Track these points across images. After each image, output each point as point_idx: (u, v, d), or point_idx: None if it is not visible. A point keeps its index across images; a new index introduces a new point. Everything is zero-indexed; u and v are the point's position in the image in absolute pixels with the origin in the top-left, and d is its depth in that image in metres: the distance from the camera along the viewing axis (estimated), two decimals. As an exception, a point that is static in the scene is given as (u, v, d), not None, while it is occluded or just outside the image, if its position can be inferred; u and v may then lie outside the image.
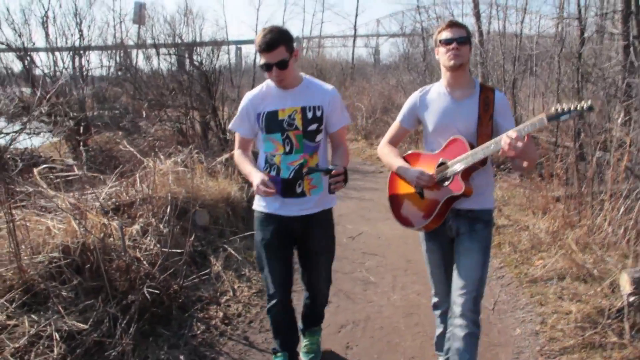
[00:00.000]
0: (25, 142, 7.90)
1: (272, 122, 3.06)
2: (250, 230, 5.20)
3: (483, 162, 2.84)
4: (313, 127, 3.07)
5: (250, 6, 74.97)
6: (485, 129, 2.84)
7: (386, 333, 4.00)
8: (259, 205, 3.22)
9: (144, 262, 3.97)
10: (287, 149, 3.07)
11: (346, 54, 32.55)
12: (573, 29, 9.15)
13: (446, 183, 2.88)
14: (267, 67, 2.93)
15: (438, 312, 3.29)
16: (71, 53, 13.00)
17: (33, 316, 3.40)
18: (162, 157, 5.69)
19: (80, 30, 14.69)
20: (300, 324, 3.59)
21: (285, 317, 3.29)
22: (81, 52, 13.80)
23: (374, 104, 16.75)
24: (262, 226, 3.22)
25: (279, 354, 3.31)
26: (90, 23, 15.58)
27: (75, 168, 5.24)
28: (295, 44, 3.02)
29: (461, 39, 2.82)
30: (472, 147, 2.80)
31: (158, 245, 4.31)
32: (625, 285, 3.89)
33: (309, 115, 3.06)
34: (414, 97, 3.09)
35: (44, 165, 6.93)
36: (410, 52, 22.34)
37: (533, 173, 6.91)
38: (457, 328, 2.84)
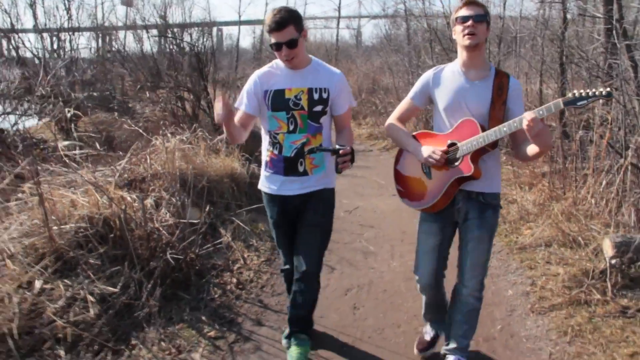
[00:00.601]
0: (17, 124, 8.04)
1: (278, 101, 3.11)
2: (253, 204, 5.52)
3: (494, 145, 2.85)
4: (318, 108, 3.12)
5: (232, -13, 74.21)
6: (498, 112, 2.83)
7: (389, 295, 4.32)
8: (264, 185, 3.33)
9: (164, 232, 4.23)
10: (291, 127, 3.12)
11: (330, 36, 32.72)
12: (556, 12, 9.43)
13: (455, 164, 2.88)
14: (277, 46, 2.97)
15: (424, 299, 3.38)
16: (61, 34, 13.12)
17: (66, 281, 3.67)
18: (169, 135, 5.93)
19: (69, 12, 14.81)
20: (285, 331, 3.58)
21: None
22: (70, 33, 13.92)
23: (359, 85, 17.00)
24: (269, 206, 3.35)
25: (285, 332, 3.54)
26: (78, 4, 15.62)
27: (97, 145, 5.43)
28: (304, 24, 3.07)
29: (478, 17, 2.78)
30: (483, 129, 2.80)
31: (173, 217, 4.58)
32: (608, 249, 4.25)
33: (315, 96, 3.10)
34: (428, 74, 3.08)
35: (43, 146, 7.17)
36: (394, 33, 22.58)
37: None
38: (462, 304, 3.08)
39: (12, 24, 13.22)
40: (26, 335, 3.21)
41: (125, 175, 5.08)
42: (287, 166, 3.17)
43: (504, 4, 12.34)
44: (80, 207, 4.21)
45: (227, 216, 5.46)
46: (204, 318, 3.84)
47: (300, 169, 3.16)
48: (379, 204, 6.87)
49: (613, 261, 4.17)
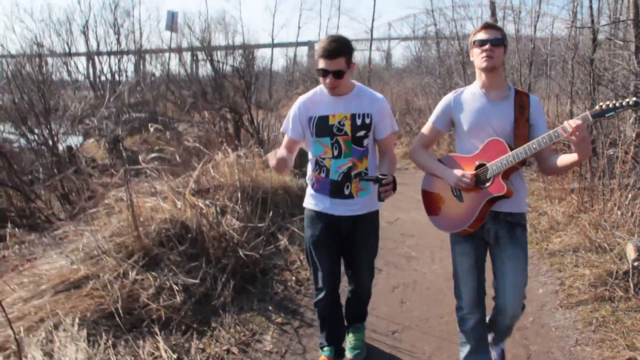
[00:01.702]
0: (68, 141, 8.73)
1: (322, 127, 3.19)
2: (304, 214, 6.08)
3: (522, 163, 2.87)
4: (361, 133, 3.18)
5: (266, 12, 75.91)
6: (522, 130, 2.88)
7: (432, 292, 4.84)
8: (310, 203, 3.39)
9: (234, 234, 4.82)
10: (336, 152, 3.19)
11: (362, 58, 33.42)
12: (586, 34, 9.86)
13: (487, 184, 2.90)
14: (324, 72, 3.04)
15: (466, 328, 3.21)
16: (116, 57, 14.08)
17: (154, 273, 4.27)
18: (229, 150, 6.57)
19: (118, 37, 15.76)
20: (345, 322, 3.74)
21: (331, 310, 3.49)
22: (118, 57, 14.85)
23: (393, 106, 17.55)
24: (311, 223, 3.38)
25: (325, 348, 3.55)
26: (127, 31, 16.55)
27: (177, 156, 6.10)
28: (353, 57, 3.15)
29: (495, 40, 2.86)
30: (510, 148, 2.82)
31: (238, 222, 5.17)
32: (631, 252, 4.70)
33: (358, 122, 3.17)
34: (448, 98, 3.13)
35: (94, 164, 7.85)
36: (424, 55, 23.10)
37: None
38: (502, 325, 3.16)
39: (69, 48, 14.23)
40: (127, 315, 3.81)
41: (193, 185, 5.70)
42: (333, 189, 3.24)
43: (535, 26, 12.85)
44: (161, 212, 4.83)
45: (283, 223, 6.04)
46: (270, 308, 4.40)
47: (346, 192, 3.23)
48: (417, 217, 7.38)
49: (635, 263, 4.62)
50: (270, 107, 12.43)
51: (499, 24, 13.35)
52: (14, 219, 5.78)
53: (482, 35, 2.90)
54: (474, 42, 2.94)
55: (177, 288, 4.13)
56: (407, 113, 16.26)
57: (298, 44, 38.52)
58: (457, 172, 2.97)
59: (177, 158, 5.99)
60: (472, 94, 3.05)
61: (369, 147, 3.25)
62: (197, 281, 4.29)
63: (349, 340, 3.74)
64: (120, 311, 3.74)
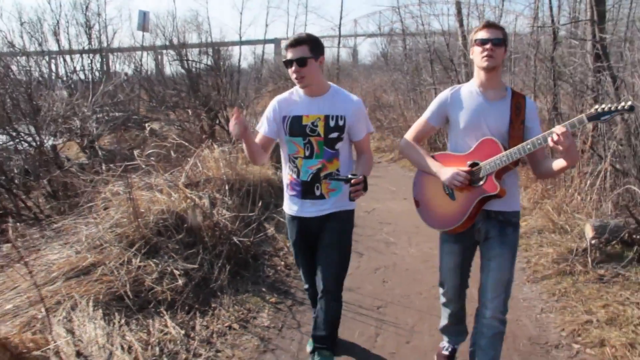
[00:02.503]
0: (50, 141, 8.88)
1: (295, 126, 3.21)
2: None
3: (516, 163, 2.87)
4: (334, 135, 3.19)
5: (234, 10, 75.84)
6: (517, 131, 2.89)
7: (410, 273, 5.26)
8: (285, 206, 3.47)
9: (227, 222, 5.17)
10: (307, 153, 3.22)
11: (331, 55, 33.81)
12: (547, 32, 10.38)
13: (479, 183, 2.89)
14: (288, 63, 3.09)
15: (446, 312, 3.47)
16: (91, 56, 14.20)
17: (155, 260, 4.59)
18: (215, 146, 6.90)
19: (90, 37, 15.88)
20: (308, 346, 3.75)
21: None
22: (102, 54, 14.99)
23: (363, 102, 17.92)
24: (289, 227, 3.50)
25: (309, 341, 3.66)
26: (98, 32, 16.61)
27: (172, 152, 6.40)
28: (323, 53, 3.16)
29: (496, 40, 2.86)
30: (504, 148, 2.84)
31: (228, 212, 5.50)
32: (589, 231, 5.19)
33: (332, 123, 3.17)
34: (445, 94, 3.12)
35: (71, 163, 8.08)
36: (390, 52, 23.55)
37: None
38: (485, 328, 3.02)
39: (41, 47, 14.30)
40: (135, 297, 4.13)
41: (183, 179, 6.02)
42: (304, 190, 3.27)
43: (499, 22, 13.36)
44: (157, 203, 5.14)
45: (269, 214, 6.39)
46: (264, 289, 4.77)
47: (317, 192, 3.26)
48: (392, 206, 7.82)
49: (593, 241, 5.11)
50: (239, 105, 12.64)
51: (464, 21, 13.88)
52: (11, 215, 6.00)
53: (483, 35, 2.88)
54: (475, 40, 2.92)
55: (178, 272, 4.47)
56: (377, 109, 16.68)
57: (265, 42, 38.71)
58: (451, 170, 2.96)
59: (172, 154, 6.31)
60: (469, 92, 3.05)
61: (343, 149, 3.26)
62: (195, 266, 4.63)
63: None
64: (129, 294, 4.07)
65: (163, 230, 4.94)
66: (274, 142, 3.40)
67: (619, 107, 2.54)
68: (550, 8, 10.39)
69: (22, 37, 14.86)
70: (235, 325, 4.15)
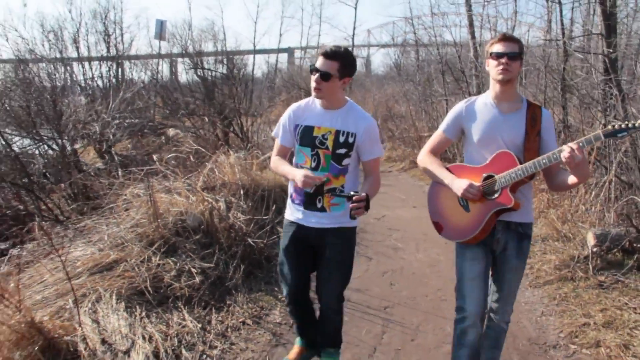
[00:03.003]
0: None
1: (306, 136, 3.21)
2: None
3: (531, 177, 2.86)
4: (342, 151, 3.17)
5: (248, 19, 76.54)
6: (533, 144, 2.86)
7: (417, 276, 5.46)
8: (287, 213, 3.43)
9: (242, 224, 5.41)
10: (314, 164, 3.19)
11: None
12: (558, 45, 10.55)
13: (494, 196, 2.88)
14: (313, 70, 3.08)
15: (465, 341, 3.10)
16: (109, 63, 14.59)
17: (173, 259, 4.83)
18: (231, 152, 7.15)
19: (108, 45, 16.27)
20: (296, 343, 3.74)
21: (299, 311, 3.53)
22: (119, 61, 15.36)
23: (375, 112, 18.20)
24: (285, 232, 3.42)
25: (297, 338, 3.67)
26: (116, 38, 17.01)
27: (191, 157, 6.65)
28: (351, 73, 3.15)
29: (512, 54, 2.84)
30: (519, 161, 2.82)
31: (242, 215, 5.74)
32: (591, 239, 5.38)
33: (341, 139, 3.16)
34: (460, 106, 3.12)
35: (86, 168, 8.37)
36: (403, 63, 23.75)
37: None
38: (492, 330, 3.16)
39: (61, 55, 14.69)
40: (155, 292, 4.36)
41: (200, 184, 6.27)
42: (307, 201, 3.25)
43: (512, 32, 13.52)
44: (176, 206, 5.39)
45: (281, 218, 6.61)
46: (276, 289, 4.99)
47: (319, 205, 3.23)
48: (401, 213, 8.02)
49: (594, 249, 5.29)
50: (252, 114, 12.89)
51: (476, 33, 14.08)
52: (36, 215, 6.27)
53: (499, 48, 2.87)
54: (491, 53, 2.91)
55: (195, 270, 4.70)
56: (388, 119, 16.91)
57: (279, 51, 39.09)
58: (465, 182, 2.93)
59: (191, 158, 6.56)
60: (484, 104, 3.03)
61: (350, 167, 3.24)
62: (212, 265, 4.86)
63: None
64: (150, 289, 4.30)
65: (181, 231, 5.18)
66: (291, 149, 3.39)
67: (637, 125, 2.50)
68: (562, 21, 10.62)
69: (43, 45, 15.21)
70: (249, 321, 4.37)
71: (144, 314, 4.05)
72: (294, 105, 3.36)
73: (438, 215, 3.19)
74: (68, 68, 14.34)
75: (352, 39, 34.21)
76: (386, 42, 41.31)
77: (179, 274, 4.66)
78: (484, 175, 2.93)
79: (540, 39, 10.96)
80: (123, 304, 4.03)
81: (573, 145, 2.59)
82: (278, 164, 3.35)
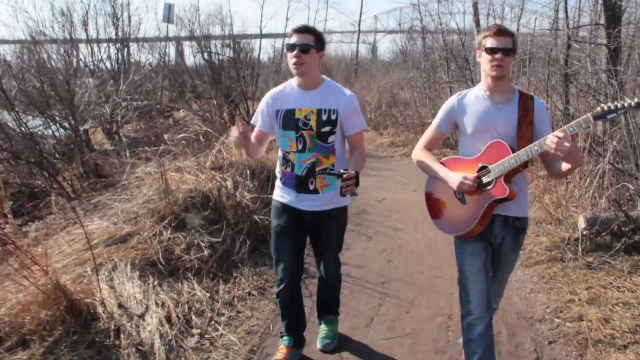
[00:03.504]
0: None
1: (288, 120, 3.23)
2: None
3: (525, 165, 2.86)
4: (326, 129, 3.21)
5: (255, 2, 76.54)
6: (526, 133, 2.85)
7: (415, 255, 5.73)
8: (277, 194, 3.46)
9: (249, 203, 5.68)
10: (300, 147, 3.23)
11: (350, 51, 34.08)
12: (564, 34, 10.74)
13: (489, 187, 2.88)
14: (291, 46, 3.11)
15: (474, 335, 3.03)
16: (117, 45, 14.81)
17: (183, 233, 5.10)
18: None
19: (117, 28, 16.47)
20: (316, 315, 4.00)
21: (292, 301, 3.58)
22: (125, 44, 15.59)
23: (380, 98, 18.39)
24: (277, 214, 3.44)
25: (284, 337, 3.65)
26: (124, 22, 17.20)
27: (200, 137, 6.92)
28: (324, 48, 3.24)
29: (506, 50, 2.82)
30: (512, 150, 2.82)
31: (248, 194, 6.00)
32: (581, 223, 5.62)
33: (324, 117, 3.19)
34: (452, 100, 3.14)
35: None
36: (409, 49, 23.90)
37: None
38: (480, 325, 3.02)
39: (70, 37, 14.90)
40: (166, 264, 4.64)
41: (209, 163, 6.54)
42: (299, 184, 3.29)
43: (519, 19, 13.72)
44: (185, 183, 5.66)
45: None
46: (280, 264, 5.27)
47: (311, 187, 3.28)
48: (402, 196, 8.27)
49: (585, 232, 5.53)
50: (258, 97, 13.08)
51: (481, 21, 14.24)
52: (52, 190, 6.55)
53: (493, 43, 2.84)
54: (485, 48, 2.88)
55: (204, 244, 4.97)
56: (392, 105, 17.09)
57: (286, 35, 39.10)
58: (459, 175, 2.96)
59: (201, 138, 6.82)
60: (475, 97, 3.05)
61: (337, 144, 3.30)
62: (219, 240, 5.13)
63: (321, 330, 3.88)
64: (162, 260, 4.59)
65: (190, 207, 5.45)
66: (270, 136, 3.45)
67: (626, 105, 2.49)
68: (566, 10, 10.80)
69: (52, 27, 15.41)
70: (254, 292, 4.66)
71: (156, 282, 4.33)
72: (271, 91, 3.38)
73: (436, 210, 3.22)
74: (76, 50, 14.54)
75: (359, 24, 34.23)
76: (393, 28, 41.38)
77: (188, 248, 4.94)
78: (479, 166, 2.95)
79: (541, 29, 11.08)
80: (137, 273, 4.31)
81: (559, 133, 2.59)
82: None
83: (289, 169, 3.31)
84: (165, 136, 6.79)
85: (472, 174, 2.94)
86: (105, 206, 5.66)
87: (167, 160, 6.12)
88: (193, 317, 4.08)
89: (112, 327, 3.63)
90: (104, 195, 5.92)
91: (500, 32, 2.85)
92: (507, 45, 2.83)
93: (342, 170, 2.92)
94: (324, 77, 3.32)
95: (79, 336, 3.45)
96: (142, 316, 3.84)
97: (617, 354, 3.61)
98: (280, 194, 3.43)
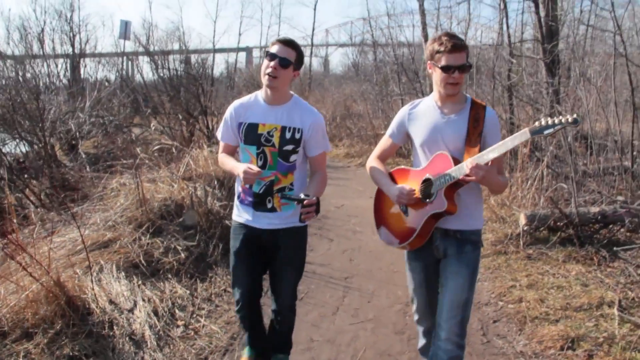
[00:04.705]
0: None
1: (250, 134, 3.10)
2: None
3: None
4: (289, 147, 3.09)
5: (207, 18, 76.72)
6: (474, 145, 2.75)
7: (374, 254, 6.26)
8: (235, 214, 3.34)
9: (220, 209, 6.11)
10: (260, 163, 3.09)
11: (303, 65, 34.52)
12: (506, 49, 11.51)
13: (430, 199, 2.80)
14: (272, 56, 2.98)
15: (420, 329, 3.27)
16: (69, 61, 15.04)
17: (160, 238, 5.50)
18: (205, 146, 7.83)
19: (73, 44, 16.66)
20: (244, 353, 3.66)
21: (251, 318, 3.43)
22: (82, 60, 15.80)
23: (334, 111, 18.97)
24: (235, 234, 3.31)
25: (246, 348, 3.54)
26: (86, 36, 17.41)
27: (173, 148, 7.30)
28: (300, 67, 3.14)
29: (462, 67, 2.73)
30: (457, 162, 2.72)
31: (218, 202, 6.43)
32: (522, 220, 6.24)
33: (288, 135, 3.08)
34: (403, 111, 3.06)
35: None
36: (361, 62, 24.62)
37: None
38: (441, 351, 2.85)
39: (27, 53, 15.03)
40: (147, 266, 5.03)
41: (181, 173, 6.94)
42: (257, 201, 3.17)
43: (465, 33, 14.45)
44: (160, 193, 6.06)
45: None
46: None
47: (269, 205, 3.16)
48: (359, 203, 8.81)
49: (525, 228, 6.16)
50: (212, 112, 13.36)
51: (430, 34, 14.93)
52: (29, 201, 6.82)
53: (447, 60, 2.72)
54: (440, 67, 2.76)
55: (180, 248, 5.39)
56: (347, 117, 17.69)
57: (239, 50, 39.56)
58: (398, 188, 2.92)
59: (174, 151, 7.21)
60: (426, 107, 2.98)
61: (298, 163, 3.19)
62: (194, 243, 5.56)
63: None
64: (143, 262, 4.98)
65: (165, 214, 5.85)
66: (237, 148, 3.30)
67: (563, 121, 2.42)
68: (507, 27, 11.64)
69: (8, 43, 15.54)
70: (230, 289, 5.09)
71: (140, 282, 4.72)
72: (235, 102, 3.26)
73: (380, 221, 3.20)
74: (33, 66, 14.69)
75: (312, 38, 34.98)
76: (344, 41, 42.25)
77: (166, 251, 5.34)
78: (423, 178, 2.89)
79: (483, 44, 11.86)
80: (123, 273, 4.70)
81: (472, 161, 2.61)
82: (224, 161, 3.30)
83: (247, 185, 3.17)
84: (138, 149, 7.14)
85: (408, 187, 2.90)
86: (83, 216, 6.00)
87: (142, 171, 6.50)
88: (177, 311, 4.50)
89: (106, 319, 4.02)
90: (80, 206, 6.26)
91: (455, 48, 2.72)
92: (462, 62, 2.73)
93: (302, 196, 2.82)
94: (292, 93, 3.21)
95: (77, 328, 3.83)
96: (131, 310, 4.24)
97: (549, 327, 4.18)
98: (237, 214, 3.32)
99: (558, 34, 10.46)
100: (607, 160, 7.95)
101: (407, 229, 2.95)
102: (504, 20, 11.78)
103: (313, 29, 37.85)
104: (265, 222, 3.18)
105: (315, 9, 44.47)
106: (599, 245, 5.69)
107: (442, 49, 2.73)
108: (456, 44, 2.72)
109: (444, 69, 2.74)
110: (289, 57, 3.01)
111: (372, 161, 3.21)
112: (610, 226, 6.02)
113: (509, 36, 11.38)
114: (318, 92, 23.73)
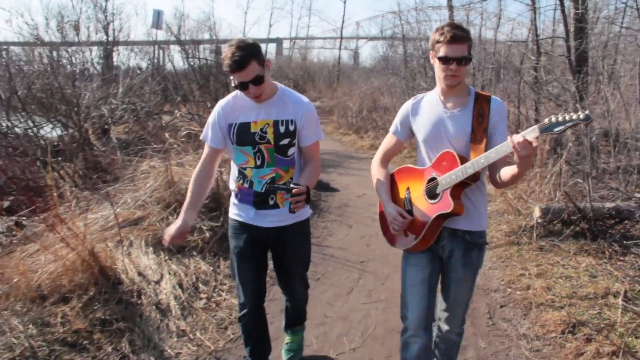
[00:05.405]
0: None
1: (243, 135, 2.96)
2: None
3: (474, 178, 2.64)
4: (285, 141, 2.98)
5: (238, 9, 77.43)
6: (480, 141, 2.63)
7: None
8: (233, 213, 3.20)
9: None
10: (259, 162, 2.98)
11: (332, 57, 34.85)
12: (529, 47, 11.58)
13: (436, 200, 2.70)
14: (242, 86, 2.79)
15: (409, 355, 2.89)
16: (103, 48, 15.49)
17: (186, 218, 5.79)
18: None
19: (107, 32, 17.10)
20: (283, 323, 3.78)
21: (255, 326, 3.29)
22: (115, 47, 16.25)
23: (361, 103, 19.15)
24: (235, 234, 3.18)
25: None
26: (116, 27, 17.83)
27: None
28: (265, 55, 2.95)
29: (461, 59, 2.60)
30: (463, 161, 2.61)
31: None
32: (537, 212, 6.41)
33: (281, 129, 2.96)
34: (406, 106, 2.93)
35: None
36: (390, 55, 24.68)
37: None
38: (441, 340, 3.04)
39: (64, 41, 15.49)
40: (174, 243, 5.33)
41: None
42: (258, 200, 3.05)
43: (497, 28, 14.47)
44: (187, 175, 6.35)
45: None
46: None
47: (271, 202, 3.05)
48: (381, 193, 9.04)
49: (539, 220, 6.32)
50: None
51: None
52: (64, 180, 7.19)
53: (446, 52, 2.60)
54: (439, 57, 2.64)
55: (205, 227, 5.68)
56: (373, 110, 17.85)
57: (269, 41, 39.90)
58: (394, 210, 2.84)
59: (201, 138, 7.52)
60: (429, 101, 2.85)
61: (296, 156, 3.09)
62: (218, 224, 5.84)
63: (286, 341, 3.77)
64: (171, 239, 5.27)
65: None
66: (222, 152, 3.16)
67: (574, 118, 2.25)
68: (535, 25, 11.67)
69: (46, 31, 16.01)
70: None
71: (167, 257, 5.03)
72: (221, 103, 3.08)
73: (385, 222, 3.06)
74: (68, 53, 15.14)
75: (341, 31, 35.13)
76: (375, 35, 42.26)
77: (192, 230, 5.63)
78: (428, 177, 2.79)
79: (511, 41, 11.92)
80: (151, 248, 5.00)
81: (517, 138, 2.35)
82: (379, 187, 3.08)
83: (246, 185, 3.07)
84: (167, 135, 7.46)
85: (420, 186, 2.81)
86: (115, 196, 6.33)
87: (171, 156, 6.81)
88: (200, 285, 4.80)
89: (135, 289, 4.34)
90: (112, 186, 6.59)
91: (455, 39, 2.58)
92: (462, 54, 2.60)
93: (291, 185, 2.69)
94: (276, 83, 3.07)
95: (108, 295, 4.16)
96: (158, 282, 4.55)
97: (553, 313, 4.38)
98: (236, 212, 3.19)
99: (585, 32, 10.50)
100: (629, 159, 8.05)
101: (413, 229, 2.84)
102: (534, 16, 11.81)
103: (343, 22, 38.04)
104: (269, 220, 3.09)
105: (345, 2, 44.41)
106: (612, 240, 5.83)
107: (441, 39, 2.62)
108: (456, 35, 2.59)
109: (442, 59, 2.63)
110: (256, 72, 2.79)
111: (376, 167, 3.11)
112: (625, 222, 6.15)
113: (535, 33, 11.44)
114: (346, 85, 23.89)
